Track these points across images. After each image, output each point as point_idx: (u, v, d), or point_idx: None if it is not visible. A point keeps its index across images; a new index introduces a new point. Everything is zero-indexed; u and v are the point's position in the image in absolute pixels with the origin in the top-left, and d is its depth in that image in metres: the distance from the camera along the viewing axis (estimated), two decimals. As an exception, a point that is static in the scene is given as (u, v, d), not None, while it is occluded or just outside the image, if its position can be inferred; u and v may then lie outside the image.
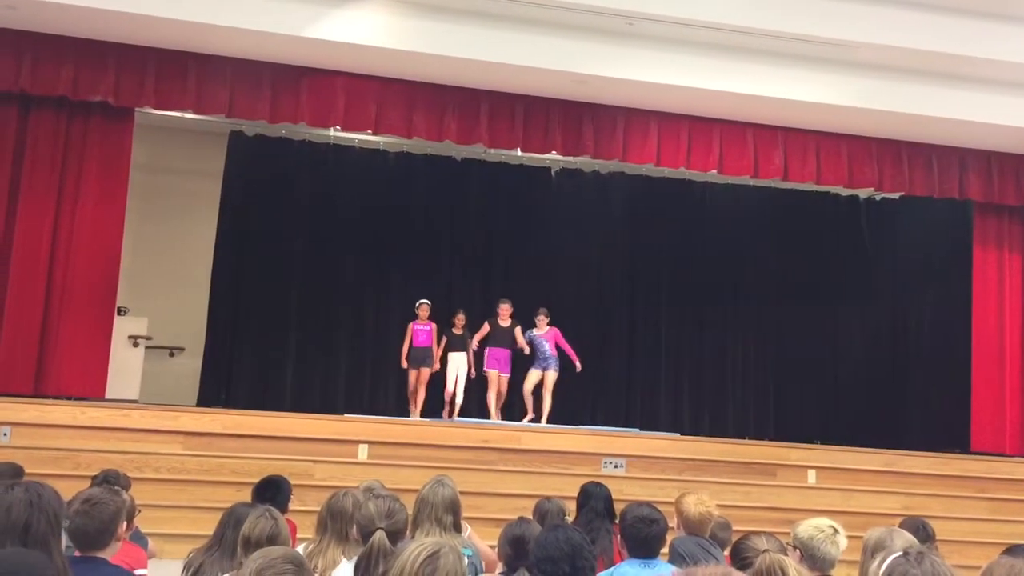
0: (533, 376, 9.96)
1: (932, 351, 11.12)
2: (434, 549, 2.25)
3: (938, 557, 2.18)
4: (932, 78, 9.02)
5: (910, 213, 11.32)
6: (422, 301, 9.97)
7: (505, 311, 10.02)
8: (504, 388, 10.03)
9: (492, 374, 9.96)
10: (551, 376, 9.93)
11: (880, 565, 2.18)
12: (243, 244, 10.72)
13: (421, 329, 9.87)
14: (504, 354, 10.01)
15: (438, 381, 9.99)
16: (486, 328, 10.05)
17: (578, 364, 10.00)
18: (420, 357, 9.82)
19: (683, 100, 9.03)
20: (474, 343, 10.01)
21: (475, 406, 10.10)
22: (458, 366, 9.91)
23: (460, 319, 10.04)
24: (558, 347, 9.98)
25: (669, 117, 9.32)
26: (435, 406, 9.99)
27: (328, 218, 10.88)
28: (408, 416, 9.60)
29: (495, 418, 9.78)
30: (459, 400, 9.85)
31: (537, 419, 9.84)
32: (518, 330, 10.02)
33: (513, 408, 10.26)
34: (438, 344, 9.91)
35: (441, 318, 10.05)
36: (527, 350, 9.98)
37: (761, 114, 9.29)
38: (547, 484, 7.73)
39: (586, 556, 2.91)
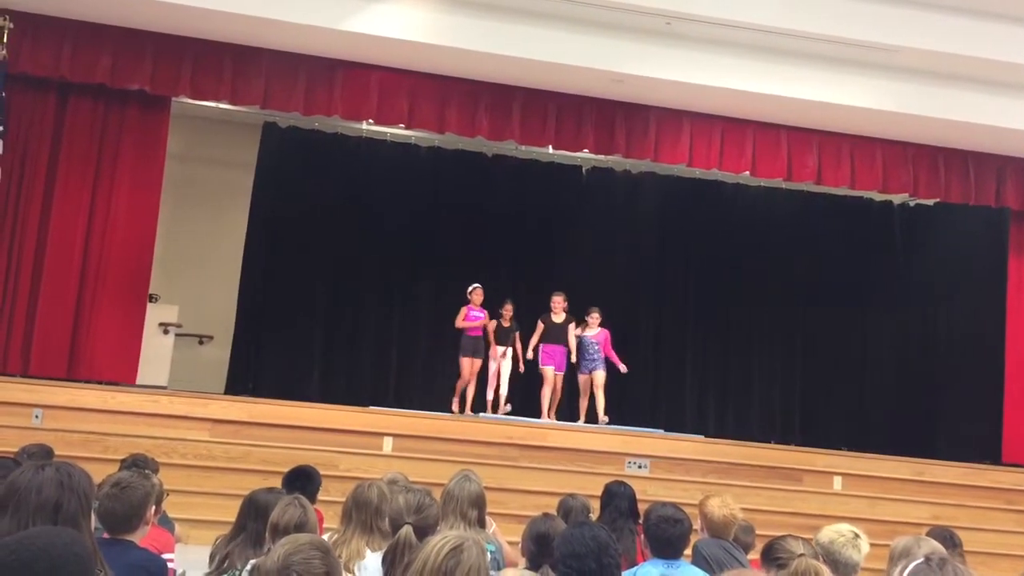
0: (583, 382, 9.73)
1: (964, 360, 10.97)
2: (457, 542, 2.25)
3: (961, 564, 2.16)
4: (971, 84, 8.91)
5: (945, 220, 11.17)
6: (475, 285, 9.63)
7: (558, 304, 9.64)
8: (559, 386, 9.67)
9: (547, 371, 9.61)
10: (600, 376, 9.62)
11: (902, 572, 2.16)
12: (274, 235, 10.78)
13: (476, 316, 9.55)
14: (559, 351, 9.64)
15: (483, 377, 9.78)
16: (540, 327, 9.70)
17: (622, 367, 9.75)
18: (472, 346, 9.52)
19: (717, 101, 8.98)
20: (530, 350, 9.64)
21: (526, 403, 9.82)
22: (500, 359, 9.57)
23: (508, 310, 9.68)
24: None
25: (702, 118, 9.28)
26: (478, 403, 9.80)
27: (358, 211, 10.92)
28: (450, 411, 9.39)
29: (547, 418, 9.48)
30: (503, 393, 9.55)
31: (587, 419, 9.63)
32: (571, 327, 9.66)
33: (563, 409, 9.99)
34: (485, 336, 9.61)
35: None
36: (574, 356, 9.64)
37: (796, 116, 9.22)
38: (570, 482, 7.71)
39: (612, 553, 2.90)
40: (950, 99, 8.94)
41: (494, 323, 9.67)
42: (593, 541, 2.93)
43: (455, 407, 9.57)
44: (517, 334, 9.73)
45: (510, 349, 9.67)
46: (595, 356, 9.72)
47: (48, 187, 8.57)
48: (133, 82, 8.47)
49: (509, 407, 9.62)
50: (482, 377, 9.68)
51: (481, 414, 9.44)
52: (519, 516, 5.79)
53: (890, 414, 11.33)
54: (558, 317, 9.70)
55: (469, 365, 9.53)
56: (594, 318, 9.74)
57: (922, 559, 2.17)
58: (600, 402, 9.64)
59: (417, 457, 8.06)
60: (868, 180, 9.67)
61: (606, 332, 9.82)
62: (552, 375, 9.66)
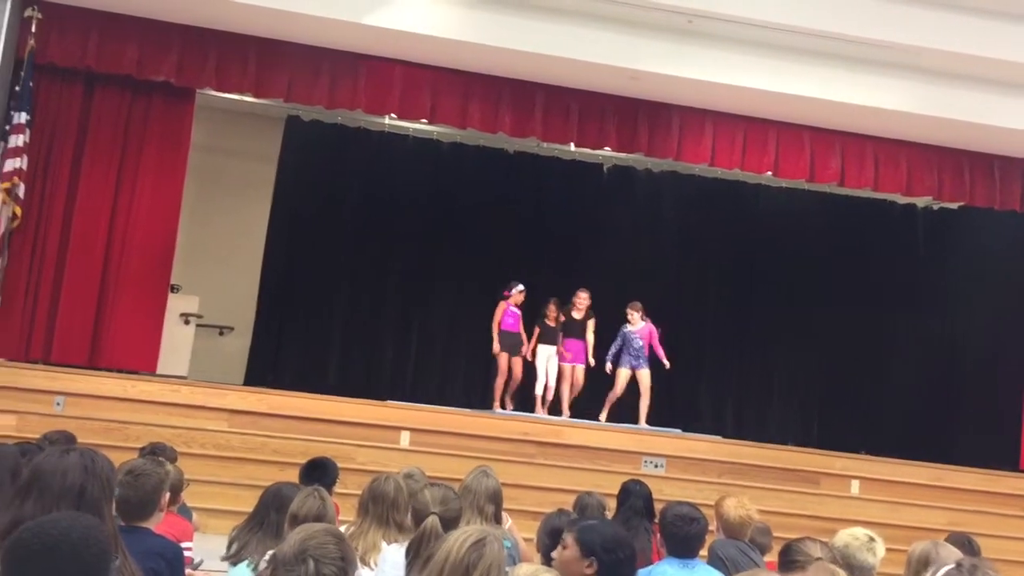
0: (623, 376, 9.51)
1: (985, 366, 10.87)
2: (480, 536, 2.27)
3: (992, 571, 2.15)
4: (997, 86, 8.84)
5: (968, 224, 11.07)
6: (520, 287, 9.52)
7: (581, 301, 9.51)
8: (580, 379, 9.55)
9: (565, 367, 9.53)
10: (644, 375, 9.50)
11: (933, 576, 2.16)
12: (295, 228, 10.82)
13: (513, 312, 9.49)
14: (578, 345, 9.54)
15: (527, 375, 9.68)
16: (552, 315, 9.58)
17: (666, 363, 9.57)
18: (511, 343, 9.44)
19: (740, 100, 8.94)
20: (528, 350, 9.54)
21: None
22: (548, 358, 9.49)
23: (552, 310, 9.61)
24: (649, 346, 9.58)
25: (725, 117, 9.25)
26: (521, 400, 9.72)
27: (379, 205, 10.94)
28: (491, 409, 9.34)
29: (566, 414, 9.42)
30: (550, 396, 9.48)
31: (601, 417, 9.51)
32: (591, 323, 9.54)
33: (581, 403, 9.81)
34: (528, 335, 9.55)
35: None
36: (591, 354, 9.50)
37: (819, 117, 9.17)
38: (586, 480, 7.71)
39: (626, 548, 2.89)
40: (976, 101, 8.86)
41: (538, 330, 9.59)
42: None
43: (497, 406, 9.45)
44: (591, 322, 9.55)
45: (555, 348, 9.54)
46: (639, 353, 9.52)
47: (73, 176, 8.65)
48: (159, 73, 8.53)
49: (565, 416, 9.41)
50: (527, 374, 9.60)
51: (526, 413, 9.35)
52: (535, 513, 5.81)
53: (909, 419, 11.24)
54: (578, 313, 9.60)
55: (507, 361, 9.45)
56: (633, 313, 9.55)
57: (953, 564, 2.16)
58: (644, 405, 9.47)
59: (434, 452, 8.07)
60: (892, 183, 9.60)
61: (650, 327, 9.61)
62: (571, 370, 9.55)
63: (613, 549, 2.83)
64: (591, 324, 9.63)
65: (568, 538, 2.88)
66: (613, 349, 9.60)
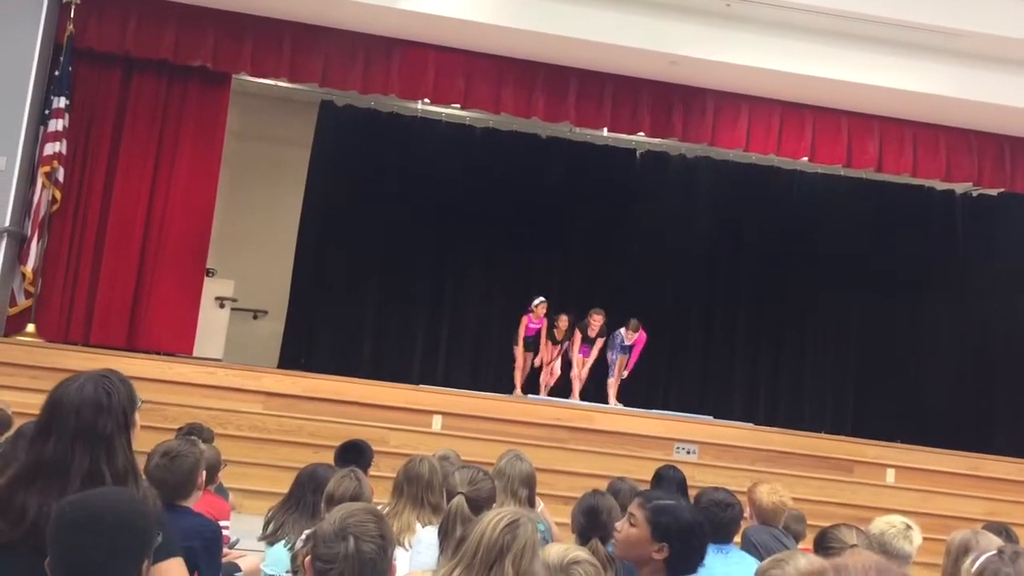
0: (619, 361, 9.99)
1: (1024, 355, 10.72)
2: (513, 518, 2.28)
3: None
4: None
5: (1009, 210, 10.89)
6: (541, 300, 9.81)
7: (596, 322, 9.82)
8: (584, 370, 10.05)
9: (577, 359, 10.00)
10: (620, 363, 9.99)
11: (973, 563, 2.14)
12: (328, 212, 10.87)
13: (534, 327, 9.85)
14: (586, 349, 10.01)
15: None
16: (577, 335, 9.97)
17: (626, 372, 10.01)
18: (527, 343, 9.94)
19: (776, 85, 8.86)
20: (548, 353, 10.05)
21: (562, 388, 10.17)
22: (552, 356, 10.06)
23: (564, 322, 9.90)
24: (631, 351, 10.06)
25: (761, 102, 9.17)
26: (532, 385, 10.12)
27: (412, 190, 10.95)
28: (511, 393, 9.66)
29: (574, 397, 9.79)
30: (553, 378, 9.96)
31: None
32: (599, 342, 9.92)
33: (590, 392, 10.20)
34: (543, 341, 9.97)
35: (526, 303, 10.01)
36: (587, 362, 10.02)
37: (857, 102, 9.06)
38: (617, 465, 7.71)
39: (702, 535, 2.75)
40: (1017, 86, 8.71)
41: (549, 344, 9.97)
42: None
43: (517, 392, 9.81)
44: (569, 344, 10.00)
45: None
46: (620, 353, 9.95)
47: (111, 161, 8.75)
48: (195, 58, 8.61)
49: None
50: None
51: (530, 395, 9.56)
52: (566, 497, 5.81)
53: (946, 407, 11.09)
54: (592, 332, 9.90)
55: (521, 355, 9.90)
56: (631, 334, 9.88)
57: (995, 551, 2.14)
58: (579, 374, 10.00)
59: (466, 436, 8.09)
60: (930, 168, 9.47)
61: (643, 336, 9.96)
62: (581, 361, 9.95)
63: (689, 537, 2.61)
64: (599, 342, 9.94)
65: (638, 515, 2.63)
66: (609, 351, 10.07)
